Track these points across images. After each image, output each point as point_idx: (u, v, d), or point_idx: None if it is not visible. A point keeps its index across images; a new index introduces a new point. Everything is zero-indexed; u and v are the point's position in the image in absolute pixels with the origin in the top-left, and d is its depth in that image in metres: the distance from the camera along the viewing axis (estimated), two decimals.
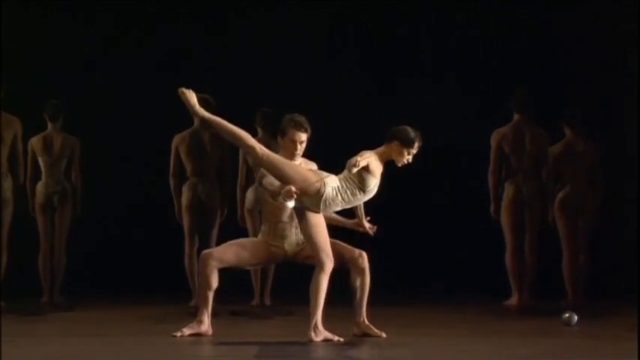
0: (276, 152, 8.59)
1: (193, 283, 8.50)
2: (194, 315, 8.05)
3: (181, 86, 7.30)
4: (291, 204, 6.24)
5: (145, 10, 9.91)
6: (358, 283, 6.67)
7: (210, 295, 6.71)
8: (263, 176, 6.60)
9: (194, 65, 9.72)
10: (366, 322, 6.74)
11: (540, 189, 8.55)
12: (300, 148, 6.73)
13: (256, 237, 8.56)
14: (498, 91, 8.90)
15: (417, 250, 9.57)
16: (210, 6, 9.93)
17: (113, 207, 9.76)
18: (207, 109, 8.54)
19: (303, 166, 6.61)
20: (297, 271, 8.22)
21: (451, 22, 9.77)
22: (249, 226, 8.63)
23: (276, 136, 8.70)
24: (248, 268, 7.18)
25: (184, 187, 8.54)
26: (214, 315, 8.00)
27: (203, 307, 6.76)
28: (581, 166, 8.55)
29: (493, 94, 9.14)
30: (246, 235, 8.64)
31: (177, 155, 8.55)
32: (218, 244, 8.51)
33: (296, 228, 6.71)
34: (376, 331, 6.70)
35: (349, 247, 6.72)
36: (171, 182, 8.57)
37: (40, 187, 8.79)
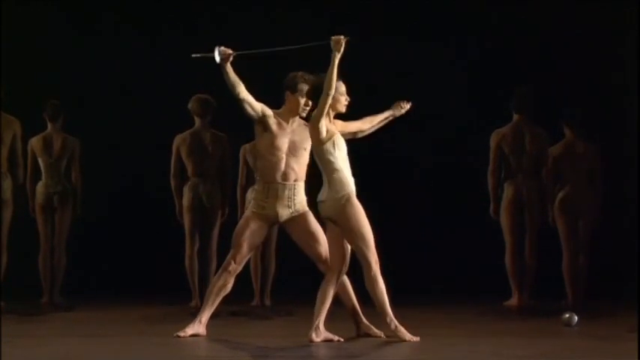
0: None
1: (193, 284, 8.51)
2: (195, 315, 8.08)
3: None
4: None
5: (146, 9, 9.91)
6: (336, 290, 6.63)
7: (219, 300, 6.75)
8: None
9: (195, 64, 9.71)
10: (365, 322, 6.75)
11: (540, 189, 8.55)
12: (308, 107, 6.72)
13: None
14: (499, 91, 8.89)
15: (417, 250, 9.56)
16: (209, 5, 9.93)
17: (113, 207, 9.76)
18: (207, 110, 8.60)
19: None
20: (297, 271, 8.25)
21: (450, 21, 9.77)
22: None
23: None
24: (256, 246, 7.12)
25: (185, 187, 8.54)
26: (214, 315, 8.02)
27: (209, 309, 6.76)
28: (580, 166, 8.55)
29: (494, 95, 9.13)
30: None
31: (178, 155, 8.56)
32: (219, 244, 8.56)
33: (289, 190, 6.69)
34: (376, 330, 6.71)
35: (324, 252, 6.70)
36: (172, 183, 8.58)
37: (39, 187, 8.79)
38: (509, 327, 7.41)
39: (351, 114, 6.69)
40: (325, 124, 6.43)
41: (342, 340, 6.49)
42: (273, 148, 6.72)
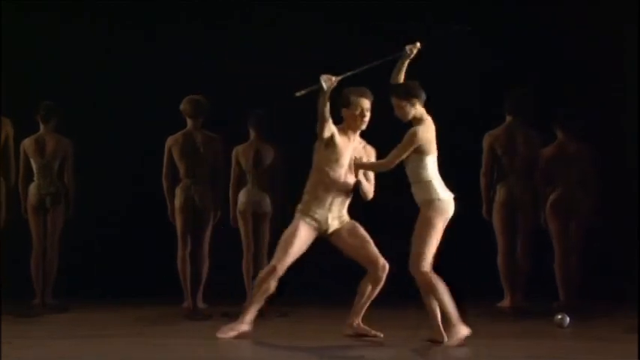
0: (269, 154, 8.66)
1: (186, 285, 8.49)
2: (187, 317, 8.07)
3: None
4: None
5: (140, 10, 9.90)
6: (368, 290, 6.76)
7: (263, 301, 6.87)
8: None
9: (188, 66, 9.72)
10: (362, 324, 6.77)
11: (532, 191, 8.57)
12: (366, 118, 6.80)
13: (248, 239, 8.63)
14: (493, 92, 8.90)
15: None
16: (199, 7, 9.93)
17: (105, 209, 9.73)
18: (199, 111, 8.59)
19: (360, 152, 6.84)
20: (290, 273, 8.23)
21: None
22: (241, 227, 8.63)
23: (269, 138, 8.75)
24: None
25: (177, 188, 8.52)
26: (207, 317, 8.02)
27: (255, 309, 6.82)
28: (572, 167, 8.57)
29: (488, 96, 9.14)
30: (239, 237, 8.65)
31: (170, 157, 8.54)
32: (211, 246, 8.55)
33: (342, 204, 6.82)
34: (373, 332, 6.72)
35: (378, 253, 6.86)
36: (164, 184, 8.56)
37: (32, 188, 8.77)
38: (502, 328, 7.42)
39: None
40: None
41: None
42: (336, 164, 6.81)
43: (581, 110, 8.83)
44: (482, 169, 8.61)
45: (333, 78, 6.66)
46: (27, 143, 8.78)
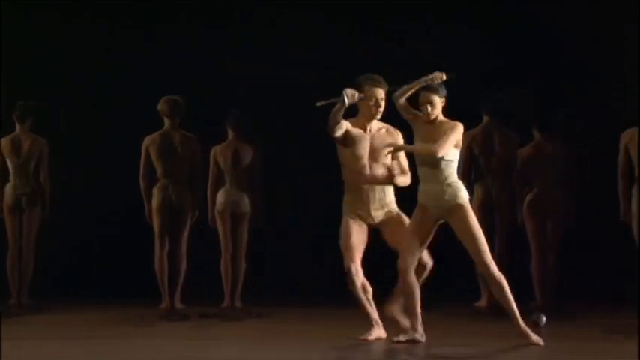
0: (247, 154, 8.65)
1: (163, 286, 8.46)
2: (165, 317, 8.05)
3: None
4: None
5: (138, 12, 9.90)
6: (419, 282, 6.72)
7: (371, 299, 6.73)
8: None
9: (188, 66, 9.73)
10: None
11: (509, 191, 8.60)
12: (381, 108, 6.75)
13: (227, 240, 8.62)
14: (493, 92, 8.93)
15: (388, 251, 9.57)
16: (199, 7, 9.94)
17: (82, 208, 9.71)
18: (176, 111, 8.57)
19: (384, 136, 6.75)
20: (267, 273, 8.25)
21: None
22: (219, 228, 8.62)
23: (247, 137, 8.75)
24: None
25: (155, 189, 8.49)
26: (184, 318, 8.00)
27: (369, 310, 6.72)
28: (549, 168, 8.60)
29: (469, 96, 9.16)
30: (217, 238, 8.64)
31: (148, 157, 8.51)
32: (188, 246, 8.54)
33: (379, 192, 6.75)
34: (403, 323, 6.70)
35: (427, 253, 6.84)
36: (142, 184, 8.53)
37: (8, 188, 8.73)
38: (478, 328, 7.45)
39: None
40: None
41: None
42: (354, 157, 6.76)
43: (557, 110, 8.86)
44: (460, 170, 8.61)
45: (357, 94, 6.61)
46: (3, 143, 8.75)
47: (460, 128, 6.60)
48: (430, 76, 6.63)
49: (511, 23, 9.55)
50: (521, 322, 6.54)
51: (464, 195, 6.61)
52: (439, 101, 6.63)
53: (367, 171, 6.74)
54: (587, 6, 9.28)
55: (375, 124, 6.83)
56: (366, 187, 6.75)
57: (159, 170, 8.48)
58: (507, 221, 8.57)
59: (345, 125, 6.71)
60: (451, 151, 6.57)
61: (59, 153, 8.87)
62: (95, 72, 9.76)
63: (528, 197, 8.62)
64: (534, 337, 6.50)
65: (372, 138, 6.79)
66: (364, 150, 6.75)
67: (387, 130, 6.86)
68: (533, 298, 8.54)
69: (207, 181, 8.64)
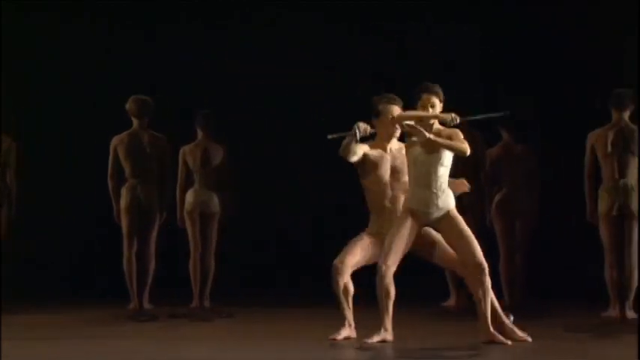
0: (217, 154, 8.64)
1: (132, 286, 8.44)
2: (133, 318, 8.02)
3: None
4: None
5: (138, 12, 9.88)
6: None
7: (350, 300, 6.70)
8: None
9: (188, 66, 9.72)
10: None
11: (478, 191, 8.62)
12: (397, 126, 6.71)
13: (196, 240, 8.61)
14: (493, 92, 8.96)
15: None
16: (199, 7, 9.93)
17: (49, 209, 9.67)
18: (145, 111, 8.55)
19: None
20: (236, 274, 8.23)
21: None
22: (188, 228, 8.61)
23: (216, 137, 8.74)
24: (374, 262, 6.95)
25: (123, 188, 8.47)
26: (153, 318, 7.98)
27: (346, 312, 6.68)
28: (518, 168, 8.64)
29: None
30: (186, 237, 8.63)
31: (116, 156, 8.49)
32: (157, 246, 8.52)
33: (393, 211, 6.70)
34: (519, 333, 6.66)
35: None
36: (110, 184, 8.50)
37: None
38: (446, 328, 7.47)
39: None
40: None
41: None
42: (376, 179, 6.71)
43: (524, 110, 8.91)
44: None
45: (369, 128, 6.58)
46: None
47: (460, 133, 6.58)
48: (442, 115, 6.57)
49: (511, 23, 9.59)
50: (490, 323, 6.55)
51: (453, 201, 6.62)
52: (439, 105, 6.63)
53: (389, 192, 6.73)
54: (587, 6, 9.32)
55: (395, 144, 6.79)
56: (388, 207, 6.72)
57: (127, 170, 8.45)
58: (476, 221, 8.59)
59: (362, 150, 6.67)
60: (447, 158, 6.56)
61: (58, 153, 8.84)
62: (95, 72, 9.74)
63: (497, 197, 8.66)
64: (500, 337, 6.53)
65: (394, 158, 6.75)
66: (385, 171, 6.72)
67: (402, 146, 6.76)
68: (502, 298, 8.58)
69: (176, 181, 8.63)
